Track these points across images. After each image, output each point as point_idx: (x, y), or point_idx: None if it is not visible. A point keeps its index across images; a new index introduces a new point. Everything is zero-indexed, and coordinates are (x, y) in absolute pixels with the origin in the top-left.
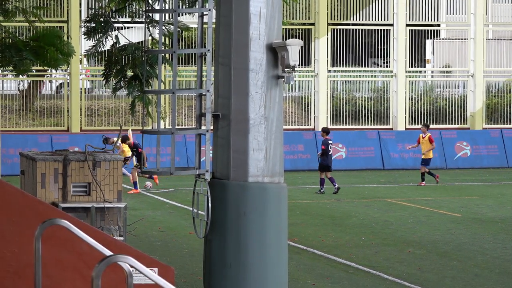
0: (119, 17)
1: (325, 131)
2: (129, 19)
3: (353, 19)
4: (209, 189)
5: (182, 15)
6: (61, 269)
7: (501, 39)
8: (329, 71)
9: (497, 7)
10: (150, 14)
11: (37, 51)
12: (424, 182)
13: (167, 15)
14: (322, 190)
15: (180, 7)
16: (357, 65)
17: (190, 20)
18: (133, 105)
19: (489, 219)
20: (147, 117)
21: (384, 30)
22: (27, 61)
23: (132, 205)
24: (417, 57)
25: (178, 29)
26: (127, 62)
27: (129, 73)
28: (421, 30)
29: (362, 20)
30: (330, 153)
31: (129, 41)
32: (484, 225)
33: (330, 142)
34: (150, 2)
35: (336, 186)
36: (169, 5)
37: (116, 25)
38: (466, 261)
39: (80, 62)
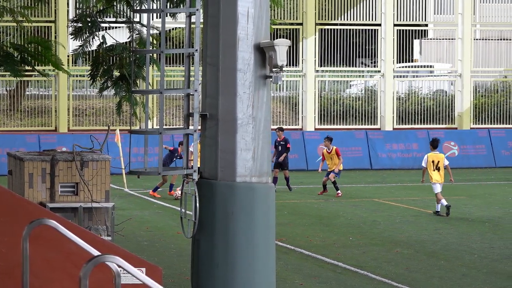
0: (106, 17)
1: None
2: (116, 19)
3: (341, 19)
4: (197, 189)
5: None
6: (49, 269)
7: (489, 39)
8: (317, 71)
9: (484, 7)
10: (137, 14)
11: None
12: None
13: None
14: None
15: (168, 7)
16: (345, 65)
17: (178, 20)
18: (120, 105)
19: (476, 219)
20: (134, 117)
21: (371, 30)
22: (20, 64)
23: (120, 205)
24: (404, 57)
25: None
26: (114, 62)
27: (116, 73)
28: (409, 30)
29: (350, 20)
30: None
31: (116, 41)
32: (471, 225)
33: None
34: (137, 1)
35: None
36: (156, 5)
37: (103, 25)
38: (453, 261)
39: (68, 62)
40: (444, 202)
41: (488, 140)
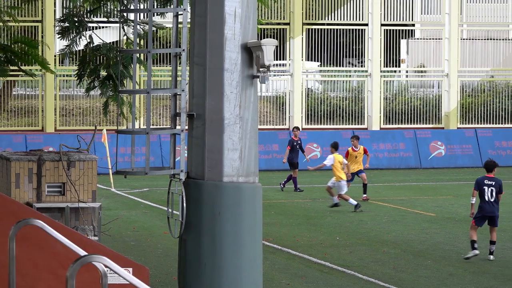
0: (93, 17)
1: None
2: (103, 19)
3: (328, 19)
4: (184, 189)
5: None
6: (36, 269)
7: (476, 39)
8: (305, 71)
9: (471, 7)
10: (125, 14)
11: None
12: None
13: (142, 14)
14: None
15: (155, 7)
16: (332, 65)
17: (164, 20)
18: (106, 105)
19: (463, 218)
20: (121, 117)
21: (359, 30)
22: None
23: (106, 205)
24: (391, 57)
25: (154, 28)
26: (101, 62)
27: (103, 73)
28: (396, 30)
29: (337, 20)
30: None
31: (103, 41)
32: (458, 225)
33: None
34: (125, 2)
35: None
36: (144, 5)
37: (90, 25)
38: (440, 261)
39: (55, 62)
40: (352, 201)
41: (475, 140)
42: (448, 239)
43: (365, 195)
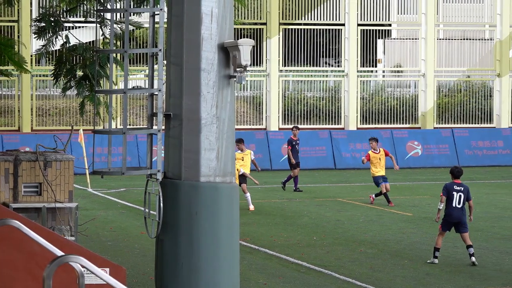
0: (70, 17)
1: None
2: (80, 19)
3: (304, 19)
4: (161, 189)
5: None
6: (12, 269)
7: (452, 39)
8: (281, 71)
9: (447, 7)
10: (102, 14)
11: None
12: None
13: (118, 14)
14: None
15: (132, 7)
16: (308, 64)
17: (141, 19)
18: (82, 105)
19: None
20: (98, 117)
21: (335, 30)
22: None
23: (83, 205)
24: (368, 57)
25: (131, 28)
26: (77, 62)
27: (79, 73)
28: (372, 30)
29: (314, 20)
30: None
31: (79, 41)
32: (435, 224)
33: None
34: (102, 1)
35: None
36: (120, 5)
37: (66, 24)
38: (417, 260)
39: (31, 62)
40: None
41: (452, 139)
42: (424, 238)
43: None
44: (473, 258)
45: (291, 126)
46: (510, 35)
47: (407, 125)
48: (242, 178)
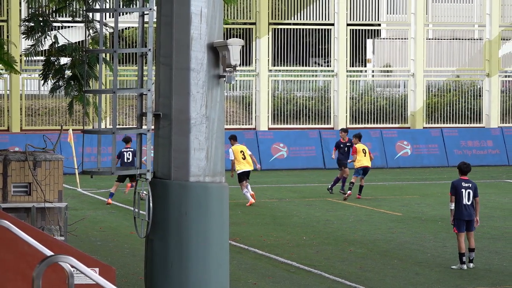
0: (58, 17)
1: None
2: (68, 19)
3: (294, 19)
4: (151, 189)
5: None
6: (2, 270)
7: (441, 39)
8: (270, 70)
9: (437, 7)
10: (90, 14)
11: None
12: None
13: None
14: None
15: (121, 7)
16: (298, 64)
17: (130, 19)
18: (71, 105)
19: (429, 218)
20: (87, 117)
21: (325, 29)
22: None
23: (73, 205)
24: (357, 56)
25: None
26: (66, 62)
27: (68, 73)
28: (362, 30)
29: (303, 19)
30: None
31: (68, 41)
32: (424, 224)
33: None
34: (90, 1)
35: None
36: (109, 5)
37: (55, 24)
38: (407, 260)
39: (20, 62)
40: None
41: (441, 139)
42: (414, 238)
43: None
44: (471, 265)
45: (280, 126)
46: (499, 35)
47: (397, 125)
48: (242, 175)
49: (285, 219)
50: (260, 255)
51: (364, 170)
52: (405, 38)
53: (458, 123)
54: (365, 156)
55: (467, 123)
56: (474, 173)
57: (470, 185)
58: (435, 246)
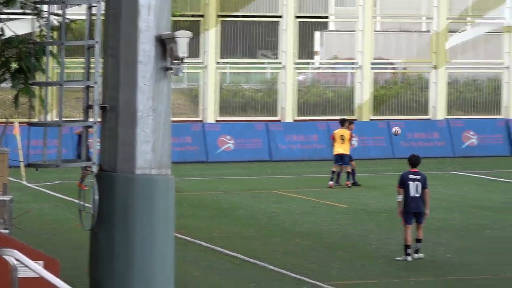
0: (6, 8)
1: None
2: (17, 10)
3: (242, 11)
4: (96, 182)
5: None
6: None
7: (389, 31)
8: (218, 63)
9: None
10: (39, 6)
11: None
12: None
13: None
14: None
15: None
16: (246, 57)
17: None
18: (17, 97)
19: (374, 209)
20: (33, 109)
21: (273, 22)
22: None
23: (18, 198)
24: (305, 49)
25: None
26: (13, 55)
27: (14, 66)
28: (310, 22)
29: (252, 12)
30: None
31: (14, 33)
32: (369, 216)
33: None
34: None
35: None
36: None
37: (2, 16)
38: (352, 252)
39: None
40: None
41: (387, 131)
42: (359, 230)
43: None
44: (416, 255)
45: (227, 118)
46: (446, 27)
47: (344, 117)
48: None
49: (231, 212)
50: (205, 248)
51: (340, 157)
52: (353, 31)
53: (405, 114)
54: (343, 143)
55: (414, 115)
56: (420, 165)
57: (420, 177)
58: (380, 238)
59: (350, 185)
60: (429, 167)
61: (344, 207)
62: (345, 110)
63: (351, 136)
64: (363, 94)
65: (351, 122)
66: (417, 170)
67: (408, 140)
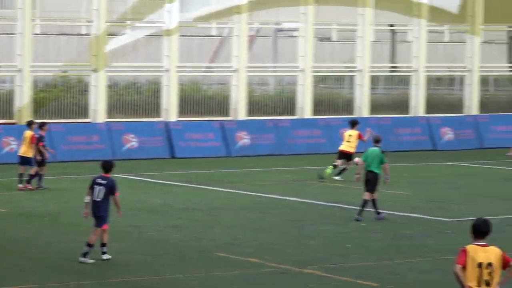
0: None
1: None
2: None
3: None
4: None
5: None
6: None
7: (49, 34)
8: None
9: (45, 2)
10: None
11: None
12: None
13: None
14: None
15: None
16: None
17: None
18: None
19: (36, 214)
20: None
21: None
22: None
23: None
24: None
25: None
26: None
27: None
28: None
29: None
30: None
31: None
32: (31, 220)
33: None
34: None
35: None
36: None
37: None
38: (13, 255)
39: None
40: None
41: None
42: (21, 234)
43: None
44: (105, 256)
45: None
46: (106, 30)
47: (3, 120)
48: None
49: None
50: None
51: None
52: (12, 33)
53: (66, 118)
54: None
55: (75, 118)
56: (80, 168)
57: (106, 182)
58: (42, 242)
59: (33, 188)
60: (90, 170)
61: (4, 211)
62: (5, 113)
63: None
64: (23, 97)
65: (42, 124)
66: (108, 176)
67: (68, 144)
